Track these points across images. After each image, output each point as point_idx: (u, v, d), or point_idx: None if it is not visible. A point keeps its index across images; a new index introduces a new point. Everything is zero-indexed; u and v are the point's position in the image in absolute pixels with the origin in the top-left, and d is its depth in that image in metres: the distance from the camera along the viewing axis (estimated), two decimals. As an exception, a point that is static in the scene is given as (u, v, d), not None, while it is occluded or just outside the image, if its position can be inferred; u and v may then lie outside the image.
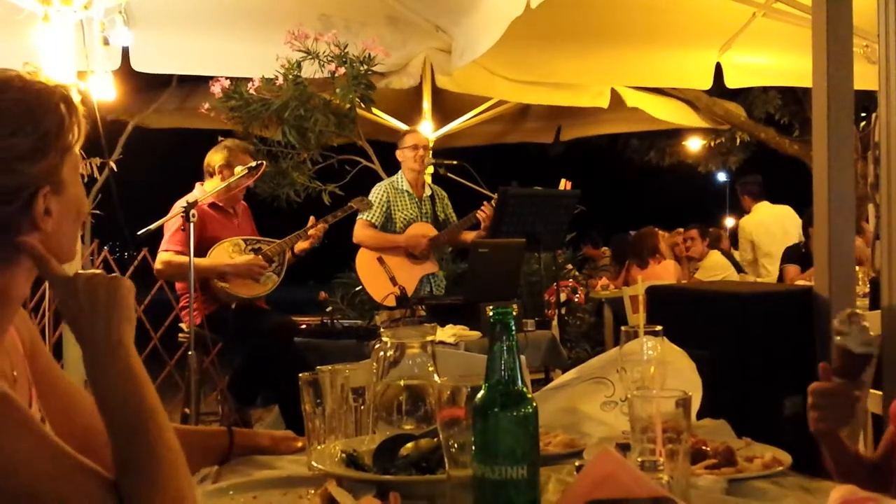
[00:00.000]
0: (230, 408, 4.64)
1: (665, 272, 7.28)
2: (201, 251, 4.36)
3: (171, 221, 4.33)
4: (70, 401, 1.40)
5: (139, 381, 1.16)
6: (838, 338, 1.59)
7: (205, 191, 4.56)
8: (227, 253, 4.49)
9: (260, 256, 4.52)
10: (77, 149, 1.26)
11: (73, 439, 1.11)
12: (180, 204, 4.38)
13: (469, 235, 5.15)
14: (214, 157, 4.65)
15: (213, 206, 4.59)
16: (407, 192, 5.21)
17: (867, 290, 5.12)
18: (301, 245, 4.64)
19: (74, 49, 4.40)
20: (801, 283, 6.18)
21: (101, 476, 1.09)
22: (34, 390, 1.32)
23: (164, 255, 4.42)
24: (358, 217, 5.09)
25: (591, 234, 9.91)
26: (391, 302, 4.63)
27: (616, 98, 7.67)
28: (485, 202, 5.04)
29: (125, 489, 1.09)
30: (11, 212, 1.18)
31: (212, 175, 4.65)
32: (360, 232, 5.11)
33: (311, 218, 4.69)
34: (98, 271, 1.22)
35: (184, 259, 4.21)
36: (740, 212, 8.51)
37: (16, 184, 1.17)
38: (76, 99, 1.27)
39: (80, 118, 1.26)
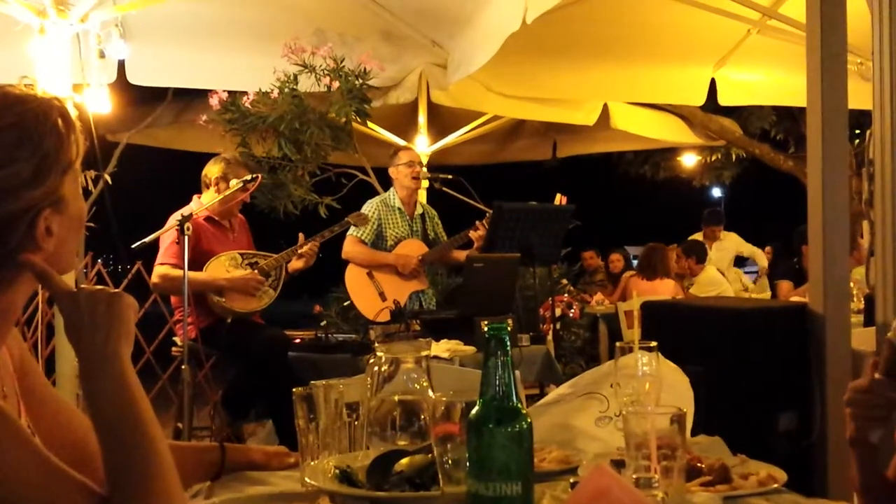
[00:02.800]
0: (223, 422, 4.62)
1: (665, 289, 7.28)
2: (197, 265, 4.34)
3: (167, 235, 4.32)
4: (60, 417, 1.39)
5: (133, 395, 1.15)
6: (890, 333, 1.53)
7: (201, 203, 4.56)
8: (223, 268, 4.47)
9: (256, 272, 4.51)
10: (77, 164, 1.26)
11: (63, 455, 1.11)
12: (176, 217, 4.38)
13: (460, 254, 5.13)
14: (212, 170, 4.65)
15: (208, 219, 4.58)
16: (399, 209, 5.19)
17: (862, 306, 5.14)
18: (294, 265, 4.62)
19: (70, 62, 4.40)
20: (795, 299, 6.20)
21: (92, 490, 1.09)
22: (23, 406, 1.31)
23: (161, 269, 4.41)
24: (348, 233, 5.07)
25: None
26: (382, 317, 4.63)
27: (611, 117, 7.70)
28: (477, 221, 5.03)
29: None
30: (14, 236, 1.17)
31: (208, 187, 4.65)
32: (350, 248, 5.09)
33: (301, 235, 4.66)
34: (101, 287, 1.22)
35: (180, 273, 4.20)
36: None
37: (18, 209, 1.17)
38: (73, 113, 1.27)
39: (78, 133, 1.25)
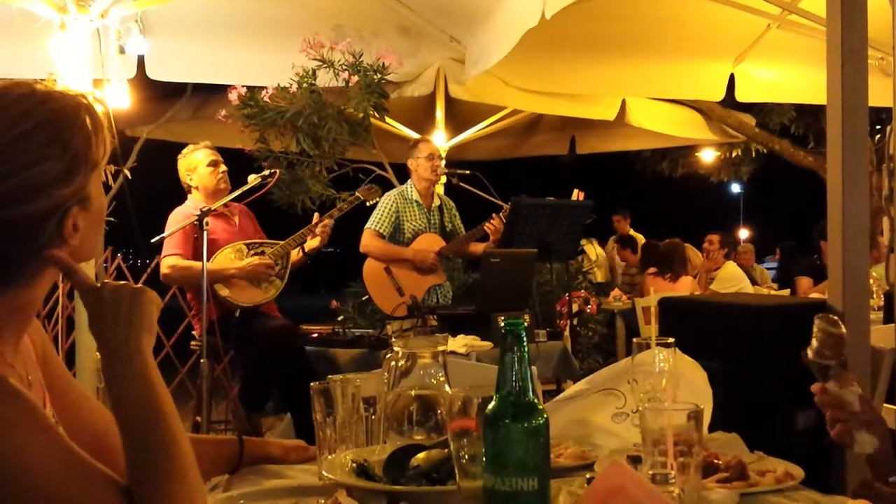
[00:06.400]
0: (241, 416, 4.63)
1: (682, 287, 7.25)
2: (201, 256, 4.34)
3: (170, 229, 4.34)
4: (81, 407, 1.40)
5: (154, 388, 1.17)
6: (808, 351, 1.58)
7: (195, 200, 4.55)
8: (228, 259, 4.47)
9: (267, 257, 4.50)
10: (103, 162, 1.27)
11: (84, 446, 1.12)
12: (180, 212, 4.43)
13: (478, 247, 5.12)
14: (180, 173, 4.65)
15: (205, 210, 4.56)
16: (416, 201, 5.18)
17: (881, 303, 5.10)
18: (312, 244, 4.61)
19: (90, 57, 4.43)
20: (814, 295, 6.16)
21: (114, 480, 1.10)
22: (48, 396, 1.33)
23: (170, 260, 4.39)
24: (366, 227, 5.07)
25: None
26: (399, 312, 4.62)
27: (629, 112, 7.68)
28: (494, 214, 5.02)
29: (137, 495, 1.10)
30: (44, 233, 1.19)
31: (189, 188, 4.64)
32: (368, 241, 5.09)
33: (316, 214, 4.66)
34: (125, 282, 1.24)
35: (189, 263, 4.22)
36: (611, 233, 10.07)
37: (48, 207, 1.18)
38: (100, 111, 1.28)
39: (105, 132, 1.27)
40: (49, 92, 1.23)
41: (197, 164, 4.59)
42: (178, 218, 4.42)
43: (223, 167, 4.62)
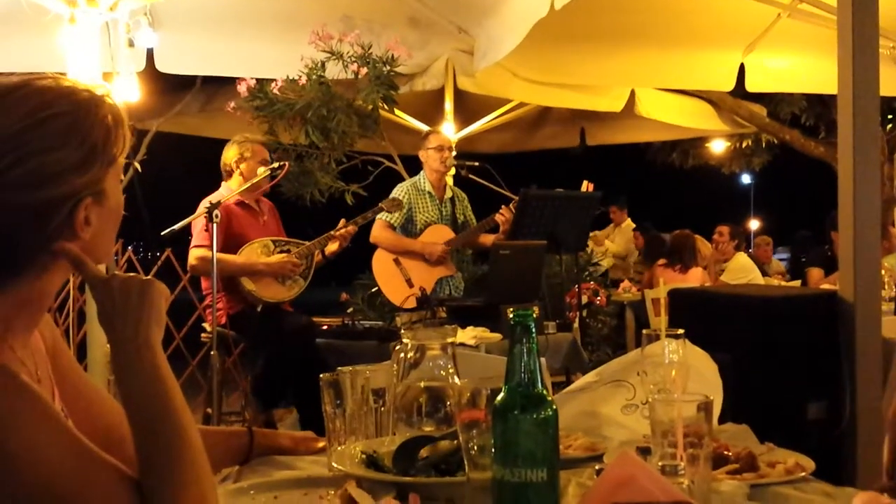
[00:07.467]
0: (256, 410, 4.66)
1: (693, 278, 7.23)
2: (228, 248, 4.40)
3: (199, 219, 4.37)
4: (91, 401, 1.41)
5: (164, 380, 1.17)
6: None
7: (230, 188, 4.60)
8: (255, 254, 4.52)
9: (294, 255, 4.55)
10: (121, 159, 1.28)
11: (94, 438, 1.12)
12: (206, 203, 4.43)
13: (488, 238, 5.13)
14: (228, 155, 4.72)
15: (237, 202, 4.62)
16: (429, 193, 5.20)
17: (893, 294, 5.08)
18: (331, 247, 4.66)
19: (100, 50, 4.44)
20: (825, 286, 6.13)
21: (124, 473, 1.11)
22: (56, 390, 1.33)
23: (199, 252, 4.46)
24: (378, 217, 5.09)
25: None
26: (409, 304, 4.63)
27: (638, 103, 7.65)
28: (503, 206, 5.02)
29: (147, 487, 1.10)
30: (54, 222, 1.19)
31: (230, 174, 4.70)
32: (379, 233, 5.11)
33: (342, 220, 4.72)
34: (133, 274, 1.24)
35: (219, 255, 4.26)
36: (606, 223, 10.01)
37: (60, 195, 1.19)
38: (122, 108, 1.29)
39: (125, 129, 1.27)
40: (72, 86, 1.24)
41: (250, 157, 4.66)
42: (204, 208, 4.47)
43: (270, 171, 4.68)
